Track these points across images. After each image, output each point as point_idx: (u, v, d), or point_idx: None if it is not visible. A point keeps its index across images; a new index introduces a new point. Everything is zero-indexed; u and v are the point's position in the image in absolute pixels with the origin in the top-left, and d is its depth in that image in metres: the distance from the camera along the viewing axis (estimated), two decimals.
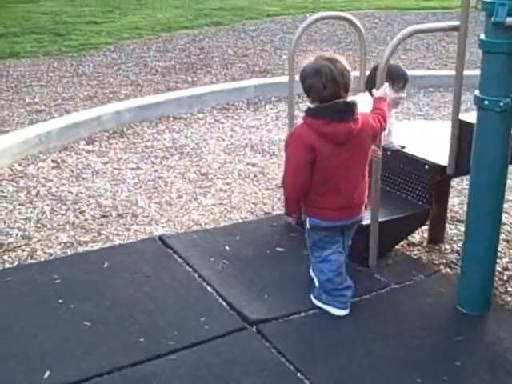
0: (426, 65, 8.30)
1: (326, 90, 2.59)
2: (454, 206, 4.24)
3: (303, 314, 2.98)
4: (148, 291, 3.14)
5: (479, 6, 2.52)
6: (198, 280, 3.25)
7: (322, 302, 2.99)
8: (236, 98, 6.85)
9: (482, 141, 2.73)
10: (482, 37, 2.59)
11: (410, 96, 7.09)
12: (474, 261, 2.93)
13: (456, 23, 3.06)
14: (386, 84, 3.05)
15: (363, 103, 2.95)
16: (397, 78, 3.29)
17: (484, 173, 2.76)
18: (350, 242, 3.07)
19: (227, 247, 3.60)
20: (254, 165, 5.07)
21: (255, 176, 4.85)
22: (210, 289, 3.17)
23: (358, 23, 3.75)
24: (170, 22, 10.95)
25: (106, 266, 3.38)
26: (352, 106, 2.65)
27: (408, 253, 3.66)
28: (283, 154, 2.90)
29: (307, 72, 2.63)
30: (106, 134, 5.79)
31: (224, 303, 3.05)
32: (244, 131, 5.94)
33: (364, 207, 2.93)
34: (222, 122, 6.21)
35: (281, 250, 3.53)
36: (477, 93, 2.68)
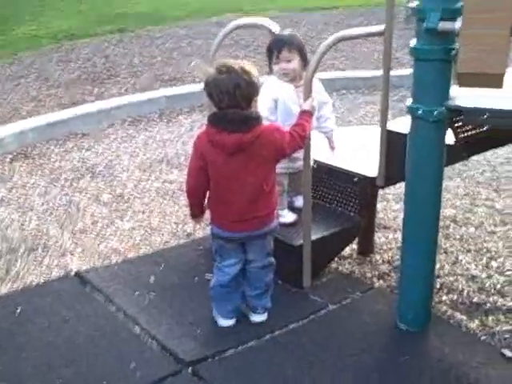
0: (336, 66, 8.32)
1: (222, 102, 2.60)
2: (378, 212, 4.19)
3: (240, 348, 2.79)
4: (68, 337, 2.85)
5: (409, 12, 2.41)
6: (124, 319, 2.99)
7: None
8: (148, 110, 6.60)
9: (416, 151, 2.64)
10: (414, 43, 2.50)
11: None
12: (413, 276, 2.85)
13: (381, 27, 2.97)
14: (313, 96, 2.90)
15: (268, 87, 3.05)
16: (269, 49, 3.19)
17: (420, 184, 2.67)
18: (269, 259, 2.93)
19: (152, 278, 3.36)
20: (171, 181, 4.86)
21: (174, 193, 4.64)
22: (137, 328, 2.92)
23: (274, 29, 3.60)
24: (72, 29, 10.48)
25: (19, 311, 3.06)
26: (246, 117, 2.61)
27: (340, 267, 3.56)
28: None
29: (208, 81, 2.63)
30: (9, 157, 5.39)
31: (154, 343, 2.80)
32: (158, 145, 5.70)
33: (272, 220, 2.82)
34: (135, 136, 5.95)
35: (209, 276, 3.31)
36: (409, 102, 2.58)
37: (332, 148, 3.46)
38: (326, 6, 12.92)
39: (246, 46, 9.45)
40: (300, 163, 3.14)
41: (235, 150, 2.62)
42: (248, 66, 2.65)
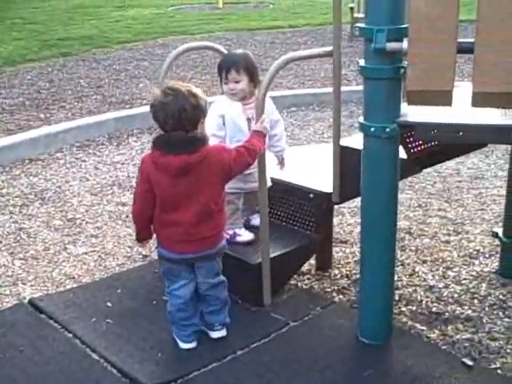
0: (284, 84, 8.42)
1: (167, 124, 2.61)
2: (334, 226, 4.23)
3: (203, 370, 2.76)
4: (24, 368, 2.77)
5: (356, 32, 2.47)
6: (81, 347, 2.92)
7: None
8: (96, 133, 6.53)
9: (370, 167, 2.68)
10: (362, 63, 2.55)
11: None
12: (372, 289, 2.88)
13: (329, 49, 3.02)
14: (264, 116, 2.93)
15: (216, 105, 3.11)
16: (219, 68, 3.18)
17: (376, 199, 2.72)
18: (218, 278, 2.91)
19: (109, 303, 3.30)
20: (124, 204, 4.81)
21: (127, 216, 4.57)
22: (95, 356, 2.86)
23: (224, 51, 3.63)
24: (13, 55, 10.31)
25: None
26: (191, 139, 2.62)
27: (299, 283, 3.57)
28: None
29: (153, 104, 2.65)
30: None
31: (114, 370, 2.75)
32: (109, 168, 5.65)
33: (220, 240, 2.83)
34: (84, 160, 5.87)
35: (166, 298, 3.28)
36: (361, 119, 2.63)
37: (282, 167, 3.48)
38: (271, 26, 13.12)
39: (194, 67, 9.48)
40: (255, 184, 3.16)
41: (181, 171, 2.62)
42: (195, 89, 2.68)
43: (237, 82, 3.13)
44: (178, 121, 2.58)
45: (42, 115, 7.09)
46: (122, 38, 11.83)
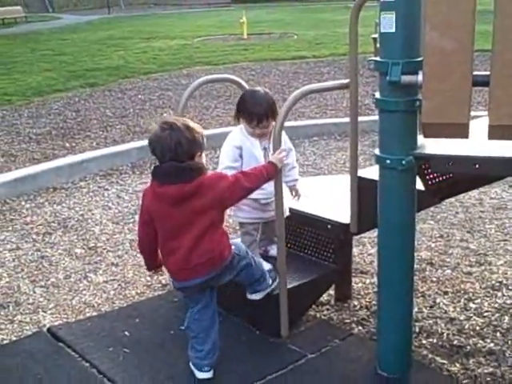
0: (306, 114, 8.47)
1: (164, 157, 2.66)
2: (354, 256, 4.21)
3: None
4: None
5: (372, 66, 2.48)
6: (98, 377, 2.92)
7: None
8: (119, 162, 6.62)
9: (386, 200, 2.67)
10: (378, 95, 2.55)
11: (295, 146, 7.18)
12: (391, 321, 2.84)
13: (346, 81, 3.04)
14: (282, 148, 2.95)
15: (232, 137, 3.13)
16: (248, 113, 3.15)
17: (392, 231, 2.70)
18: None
19: (127, 333, 3.31)
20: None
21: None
22: None
23: (243, 83, 3.67)
24: (42, 85, 10.55)
25: None
26: (184, 168, 2.66)
27: (318, 314, 3.55)
28: None
29: (151, 138, 2.71)
30: None
31: None
32: (131, 197, 5.70)
33: (224, 257, 2.82)
34: (107, 189, 5.94)
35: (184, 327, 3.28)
36: (377, 152, 2.62)
37: (297, 198, 3.47)
38: (294, 56, 13.23)
39: (217, 97, 9.60)
40: (272, 213, 3.16)
41: (178, 200, 2.66)
42: (192, 123, 2.73)
43: (266, 127, 3.16)
44: (175, 154, 2.63)
45: (67, 144, 7.22)
46: (148, 68, 12.05)
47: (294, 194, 3.43)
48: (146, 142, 6.17)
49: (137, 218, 5.07)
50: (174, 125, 2.66)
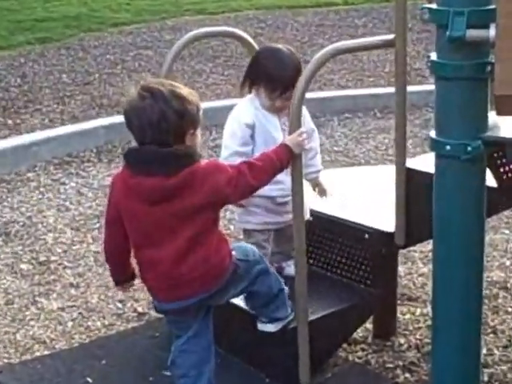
0: (335, 82, 8.47)
1: (144, 137, 2.67)
2: (400, 277, 4.22)
3: None
4: None
5: (425, 16, 2.47)
6: None
7: None
8: (81, 147, 6.65)
9: (445, 200, 2.67)
10: (434, 57, 2.54)
11: (320, 125, 7.17)
12: (449, 366, 2.84)
13: (390, 37, 3.03)
14: (302, 129, 2.95)
15: (240, 111, 3.19)
16: (269, 79, 3.17)
17: (452, 243, 2.70)
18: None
19: (89, 379, 3.31)
20: None
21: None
22: None
23: (250, 39, 3.68)
24: None
25: None
26: (168, 156, 2.67)
27: (350, 356, 3.57)
28: None
29: (126, 110, 2.74)
30: None
31: None
32: (96, 194, 5.73)
33: (221, 274, 2.84)
34: (64, 183, 5.98)
35: (168, 373, 3.30)
36: (433, 134, 2.62)
37: (322, 194, 3.49)
38: (319, 2, 13.19)
39: (214, 57, 9.60)
40: (289, 216, 3.17)
41: (156, 197, 2.69)
42: (183, 88, 2.73)
43: (289, 98, 3.15)
44: (158, 132, 2.64)
45: (9, 121, 7.24)
46: (120, 18, 12.03)
47: (316, 189, 3.44)
48: (116, 119, 6.19)
49: (104, 221, 5.16)
50: (157, 91, 2.66)
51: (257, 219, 3.25)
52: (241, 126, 3.17)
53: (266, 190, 3.00)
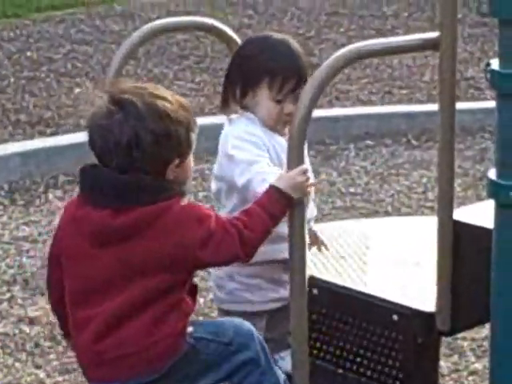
0: (353, 94, 8.51)
1: (110, 161, 2.77)
2: (443, 376, 4.23)
3: None
4: None
5: (484, 7, 2.48)
6: None
7: None
8: None
9: (509, 265, 2.69)
10: (495, 65, 2.58)
11: (330, 156, 7.21)
12: None
13: (432, 35, 3.06)
14: (304, 166, 2.96)
15: (250, 132, 3.20)
16: (271, 71, 3.22)
17: None
18: None
19: None
20: (31, 320, 4.94)
21: (37, 344, 4.71)
22: None
23: (230, 33, 3.70)
24: None
25: None
26: (123, 186, 2.76)
27: None
28: None
29: (89, 124, 2.83)
30: None
31: None
32: (7, 251, 5.75)
33: (147, 364, 2.85)
34: None
35: None
36: (492, 174, 2.64)
37: (321, 246, 3.53)
38: None
39: (181, 58, 9.64)
40: (285, 293, 3.19)
41: (101, 238, 2.78)
42: (168, 100, 2.78)
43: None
44: (130, 158, 2.73)
45: None
46: (49, 1, 12.12)
47: (313, 242, 3.49)
48: (38, 143, 6.20)
49: (16, 290, 5.16)
50: (129, 104, 2.72)
51: (260, 296, 3.26)
52: (258, 147, 3.20)
53: (271, 251, 3.03)
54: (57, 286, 2.98)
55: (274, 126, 3.24)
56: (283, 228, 3.00)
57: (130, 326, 2.80)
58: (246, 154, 3.15)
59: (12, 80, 8.95)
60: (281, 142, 3.24)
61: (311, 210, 3.44)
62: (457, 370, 4.37)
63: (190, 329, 2.88)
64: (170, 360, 2.85)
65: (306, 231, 3.38)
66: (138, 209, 2.72)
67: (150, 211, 2.73)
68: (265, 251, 2.97)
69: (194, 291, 2.97)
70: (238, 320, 3.09)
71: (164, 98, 2.77)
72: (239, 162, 3.15)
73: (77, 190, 6.41)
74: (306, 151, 3.21)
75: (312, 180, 3.06)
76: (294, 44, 3.31)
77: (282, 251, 3.12)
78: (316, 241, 3.48)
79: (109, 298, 2.80)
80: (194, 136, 2.82)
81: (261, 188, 2.93)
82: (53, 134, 7.48)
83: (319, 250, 3.49)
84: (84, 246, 2.81)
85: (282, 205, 2.90)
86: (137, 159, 2.72)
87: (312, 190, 3.36)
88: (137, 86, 2.87)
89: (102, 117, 2.75)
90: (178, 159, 2.78)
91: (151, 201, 2.73)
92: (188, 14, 9.25)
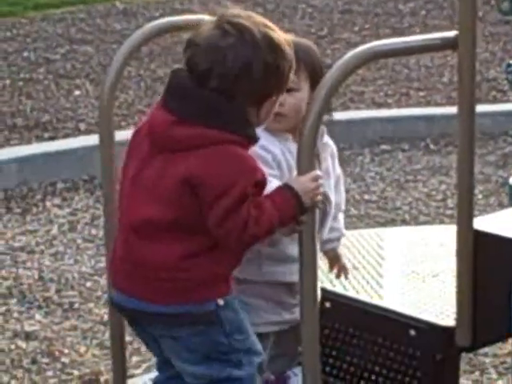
0: (368, 97, 8.51)
1: (216, 82, 2.76)
2: None
3: None
4: None
5: (506, 5, 2.49)
6: None
7: None
8: None
9: None
10: None
11: (344, 162, 7.21)
12: None
13: (451, 34, 3.05)
14: (317, 172, 2.94)
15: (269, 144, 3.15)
16: None
17: None
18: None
19: None
20: (28, 336, 4.92)
21: (35, 361, 4.68)
22: None
23: None
24: None
25: None
26: (202, 98, 2.78)
27: None
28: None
29: (196, 43, 2.80)
30: None
31: None
32: (2, 260, 5.76)
33: (195, 293, 2.87)
34: None
35: None
36: None
37: (342, 271, 3.50)
38: None
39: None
40: (290, 317, 3.22)
41: (157, 141, 2.82)
42: (277, 33, 2.78)
43: (289, 90, 3.16)
44: (233, 86, 2.74)
45: None
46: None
47: (333, 264, 3.46)
48: (36, 148, 6.18)
49: (13, 304, 5.17)
50: (247, 30, 2.74)
51: (261, 318, 3.24)
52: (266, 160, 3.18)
53: (280, 273, 3.03)
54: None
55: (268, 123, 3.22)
56: (291, 250, 3.02)
57: (165, 239, 2.84)
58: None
59: (8, 82, 8.96)
60: (295, 153, 3.20)
61: (341, 228, 3.43)
62: None
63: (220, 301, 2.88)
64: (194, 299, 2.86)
65: (331, 250, 3.42)
66: (201, 125, 2.75)
67: (211, 135, 2.75)
68: (272, 272, 2.99)
69: None
70: (255, 338, 3.07)
71: (275, 30, 2.78)
72: None
73: (76, 198, 6.58)
74: (329, 157, 3.25)
75: (325, 188, 3.03)
76: (302, 42, 3.27)
77: (290, 273, 3.11)
78: (335, 264, 3.46)
79: (140, 208, 2.85)
80: (291, 75, 2.85)
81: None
82: (51, 139, 7.48)
83: (338, 276, 3.47)
84: (144, 151, 2.86)
85: (294, 207, 2.89)
86: (242, 87, 2.74)
87: (342, 200, 3.42)
88: (247, 13, 2.85)
89: (214, 37, 2.75)
90: (275, 96, 2.82)
91: (216, 125, 2.75)
92: (193, 12, 9.23)
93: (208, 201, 2.76)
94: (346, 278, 3.48)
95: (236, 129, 2.75)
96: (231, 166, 2.75)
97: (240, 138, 2.76)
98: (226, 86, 2.74)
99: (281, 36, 2.79)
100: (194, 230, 2.86)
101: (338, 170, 3.40)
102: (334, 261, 3.43)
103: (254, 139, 2.80)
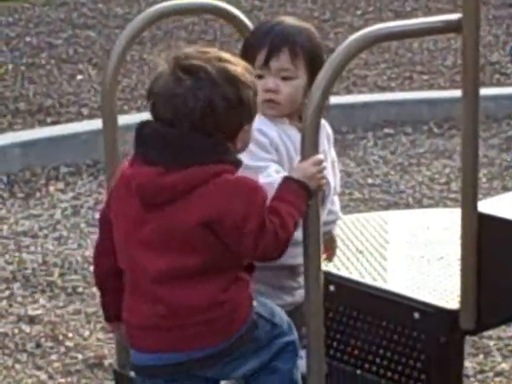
0: (370, 80, 8.51)
1: (184, 127, 2.77)
2: (467, 377, 4.26)
3: None
4: None
5: None
6: None
7: None
8: None
9: None
10: None
11: (347, 146, 7.21)
12: None
13: (454, 17, 3.04)
14: (319, 156, 2.94)
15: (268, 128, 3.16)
16: (254, 43, 3.24)
17: None
18: None
19: None
20: (32, 319, 4.94)
21: (39, 345, 4.71)
22: None
23: (241, 16, 3.71)
24: None
25: None
26: (179, 141, 2.77)
27: None
28: None
29: (156, 92, 2.81)
30: None
31: None
32: (7, 246, 5.78)
33: (232, 328, 2.87)
34: None
35: None
36: None
37: (330, 253, 3.53)
38: None
39: (188, 42, 9.63)
40: (292, 299, 3.22)
41: (149, 198, 2.78)
42: (233, 63, 2.78)
43: (285, 78, 3.19)
44: (201, 126, 2.74)
45: None
46: None
47: (327, 247, 3.43)
48: (39, 132, 6.19)
49: (16, 288, 5.18)
50: (201, 70, 2.74)
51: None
52: (263, 146, 3.18)
53: (286, 256, 2.99)
54: (101, 251, 3.01)
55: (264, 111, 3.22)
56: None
57: (187, 286, 2.83)
58: (254, 160, 3.15)
59: (11, 67, 8.96)
60: (292, 136, 3.23)
61: (337, 211, 3.45)
62: (482, 371, 4.37)
63: (254, 303, 2.90)
64: (231, 333, 2.87)
65: (328, 233, 3.41)
66: (188, 166, 2.73)
67: (202, 171, 2.74)
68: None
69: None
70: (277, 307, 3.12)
71: (230, 62, 2.79)
72: (245, 169, 3.16)
73: (79, 182, 6.58)
74: (326, 144, 3.25)
75: (327, 172, 3.03)
76: (288, 24, 3.28)
77: (292, 256, 3.10)
78: (330, 246, 3.47)
79: (155, 260, 2.81)
80: (258, 99, 2.85)
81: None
82: (54, 123, 7.49)
83: (328, 259, 3.49)
84: (133, 209, 2.82)
85: (304, 197, 2.91)
86: (211, 124, 2.74)
87: (338, 183, 3.42)
88: (199, 50, 2.86)
89: (170, 84, 2.76)
90: (247, 124, 2.81)
91: (205, 161, 2.75)
92: None
93: (234, 234, 2.77)
94: (330, 261, 3.50)
95: (223, 158, 2.77)
96: (238, 194, 2.77)
97: (229, 165, 2.78)
98: (197, 124, 2.75)
99: (238, 65, 2.79)
100: (221, 267, 2.85)
101: (333, 152, 3.40)
102: (330, 242, 3.44)
103: (240, 164, 2.81)
